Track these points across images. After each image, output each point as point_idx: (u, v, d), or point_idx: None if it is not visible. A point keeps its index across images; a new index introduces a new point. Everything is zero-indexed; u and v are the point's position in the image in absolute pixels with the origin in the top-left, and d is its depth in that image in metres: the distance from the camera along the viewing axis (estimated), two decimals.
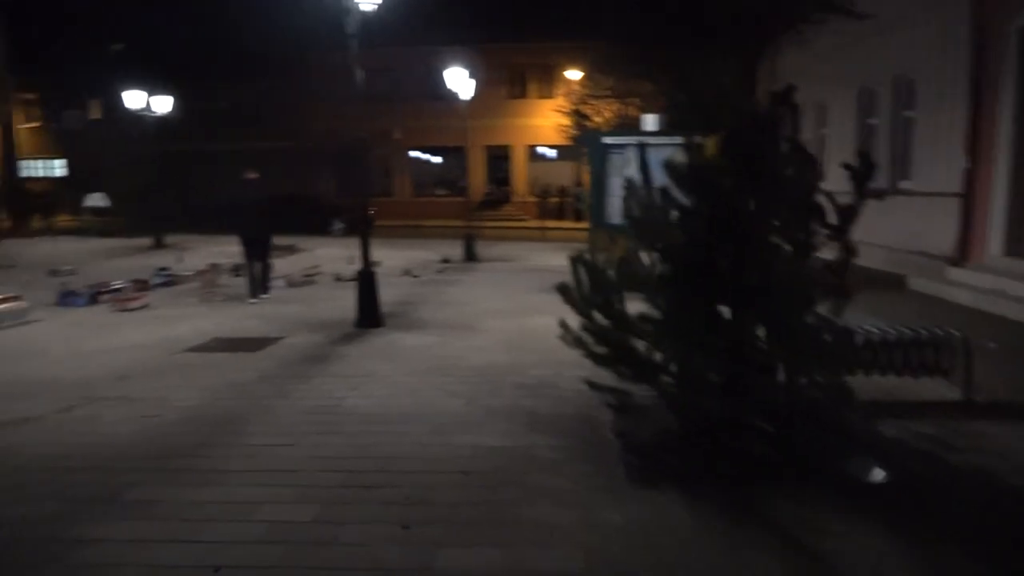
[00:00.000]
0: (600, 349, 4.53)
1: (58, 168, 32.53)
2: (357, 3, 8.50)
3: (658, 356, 4.52)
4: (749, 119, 4.36)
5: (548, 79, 30.34)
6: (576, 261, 4.61)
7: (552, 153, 30.96)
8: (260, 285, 10.85)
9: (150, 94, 19.94)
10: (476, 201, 27.88)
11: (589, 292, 4.55)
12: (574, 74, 25.90)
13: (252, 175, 11.37)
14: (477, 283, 12.46)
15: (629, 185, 4.77)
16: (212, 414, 5.35)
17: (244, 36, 29.80)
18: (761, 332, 4.38)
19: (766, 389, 4.40)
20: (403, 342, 7.68)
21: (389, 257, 16.53)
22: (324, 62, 29.91)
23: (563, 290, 4.57)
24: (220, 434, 4.91)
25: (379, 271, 14.15)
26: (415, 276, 13.24)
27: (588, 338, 4.53)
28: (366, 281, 8.54)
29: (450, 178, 31.77)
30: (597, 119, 18.63)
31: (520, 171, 31.72)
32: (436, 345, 7.51)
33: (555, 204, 29.81)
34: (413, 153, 32.37)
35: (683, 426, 4.49)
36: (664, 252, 4.44)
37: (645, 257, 4.62)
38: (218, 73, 30.01)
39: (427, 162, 32.87)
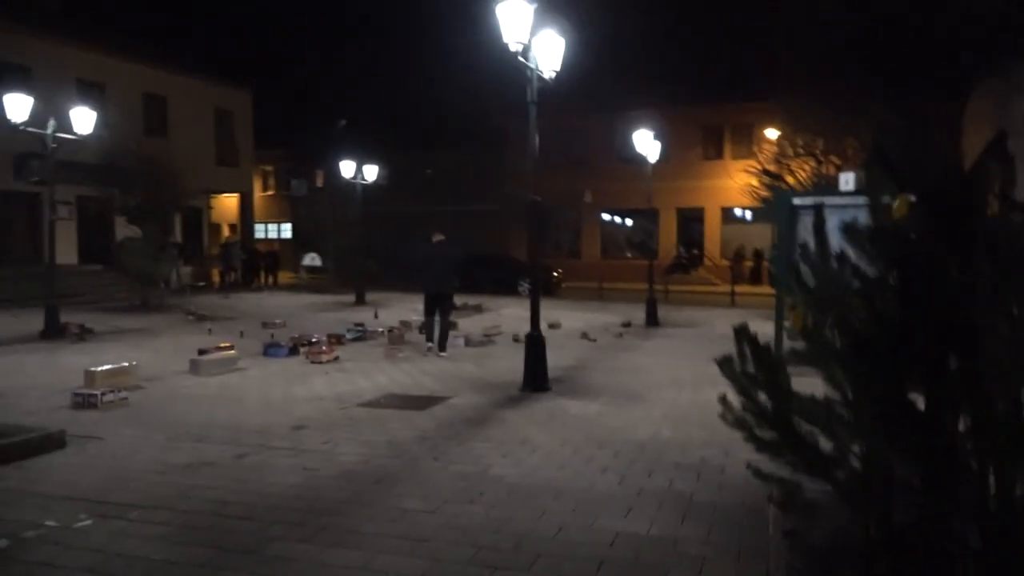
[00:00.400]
0: (764, 433, 4.01)
1: (286, 231, 36.43)
2: (538, 72, 8.66)
3: (833, 446, 3.92)
4: (949, 173, 3.75)
5: (745, 139, 29.37)
6: (740, 332, 4.16)
7: (748, 215, 29.73)
8: (439, 342, 11.17)
9: (362, 163, 21.74)
10: (666, 263, 27.32)
11: (753, 367, 4.08)
12: (772, 132, 24.89)
13: (439, 237, 11.85)
14: (655, 349, 11.97)
15: (803, 250, 4.28)
16: (366, 471, 5.41)
17: (448, 106, 32.04)
18: (966, 426, 3.66)
19: (972, 495, 3.64)
20: (566, 409, 7.44)
21: (570, 319, 16.48)
22: (518, 127, 31.26)
23: (723, 363, 4.13)
24: (369, 493, 4.93)
25: (556, 333, 14.18)
26: (592, 340, 13.01)
27: (750, 419, 4.03)
28: (533, 344, 8.43)
29: (640, 240, 31.44)
30: (791, 179, 17.59)
31: (713, 233, 30.73)
32: (599, 414, 7.19)
33: (750, 268, 28.43)
34: (604, 215, 32.51)
35: (864, 531, 3.82)
36: (842, 327, 3.88)
37: (825, 330, 4.08)
38: (424, 141, 32.32)
39: (617, 223, 32.84)
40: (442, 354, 11.02)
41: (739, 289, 23.75)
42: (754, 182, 19.66)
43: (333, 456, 5.80)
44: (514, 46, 8.00)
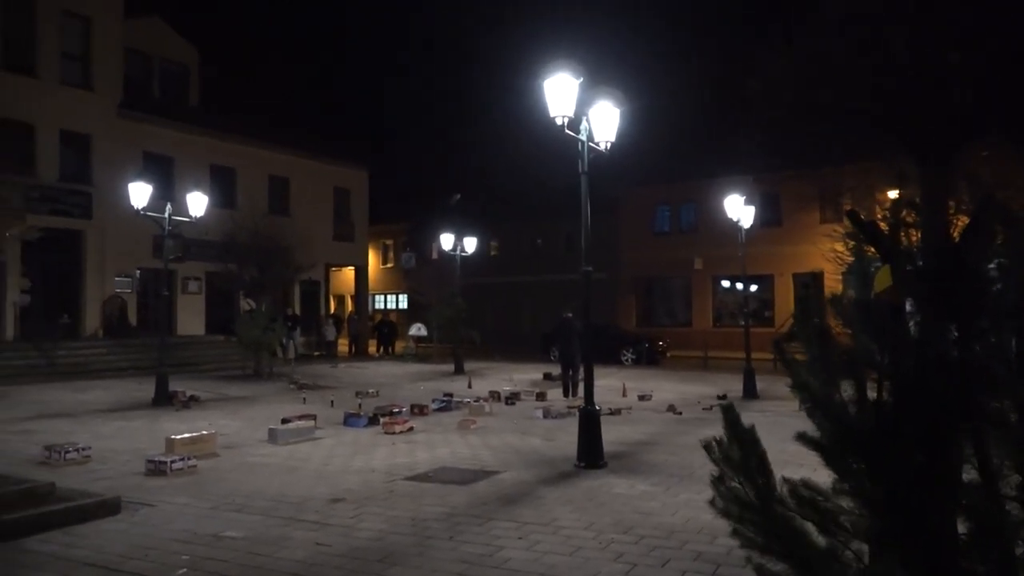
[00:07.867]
0: (748, 526, 3.63)
1: (403, 302, 37.85)
2: (595, 144, 8.67)
3: (827, 543, 3.47)
4: (940, 239, 3.35)
5: (868, 200, 27.90)
6: (726, 411, 3.83)
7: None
8: (565, 391, 15.30)
9: (465, 236, 22.35)
10: (781, 332, 26.01)
11: (737, 452, 3.72)
12: (893, 193, 23.67)
13: (567, 314, 15.70)
14: None
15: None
16: (375, 549, 5.36)
17: (559, 177, 32.53)
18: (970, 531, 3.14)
19: None
20: (611, 489, 7.10)
21: (664, 390, 15.96)
22: (629, 197, 31.21)
23: (707, 447, 3.80)
24: (365, 572, 4.87)
25: (644, 406, 13.70)
26: (677, 413, 12.48)
27: (734, 509, 3.67)
28: (586, 420, 8.17)
29: (754, 308, 30.17)
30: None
31: None
32: (642, 495, 6.81)
33: None
34: (721, 282, 31.56)
35: None
36: (825, 411, 3.50)
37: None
38: (537, 213, 32.87)
39: (730, 291, 31.72)
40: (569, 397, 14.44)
41: None
42: (839, 247, 18.75)
43: (352, 532, 5.79)
44: (560, 119, 8.05)
